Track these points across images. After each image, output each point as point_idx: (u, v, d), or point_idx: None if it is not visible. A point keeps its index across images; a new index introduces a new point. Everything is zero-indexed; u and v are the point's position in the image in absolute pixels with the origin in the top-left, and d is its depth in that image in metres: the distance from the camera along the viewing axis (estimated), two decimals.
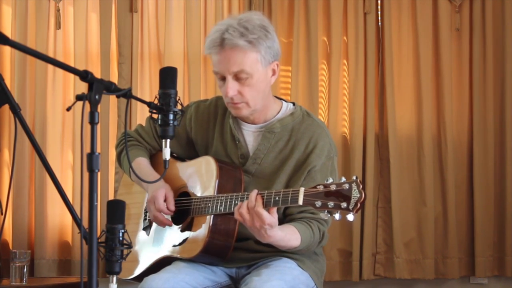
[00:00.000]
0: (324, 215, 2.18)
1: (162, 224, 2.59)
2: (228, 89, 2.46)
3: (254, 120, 2.59)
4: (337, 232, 4.08)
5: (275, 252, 2.55)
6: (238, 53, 2.45)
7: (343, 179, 2.18)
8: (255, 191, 2.30)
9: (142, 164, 2.69)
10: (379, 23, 4.14)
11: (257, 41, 2.46)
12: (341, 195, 2.15)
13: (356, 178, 2.16)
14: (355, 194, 2.14)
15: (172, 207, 2.57)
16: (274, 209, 2.29)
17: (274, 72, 2.54)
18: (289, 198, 2.24)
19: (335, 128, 4.07)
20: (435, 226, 4.09)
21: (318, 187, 2.19)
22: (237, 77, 2.47)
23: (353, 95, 4.10)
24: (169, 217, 2.59)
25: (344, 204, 2.14)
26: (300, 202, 2.21)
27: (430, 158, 4.09)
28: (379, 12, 4.14)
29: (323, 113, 4.10)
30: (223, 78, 2.48)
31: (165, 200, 2.56)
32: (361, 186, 2.15)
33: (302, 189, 2.22)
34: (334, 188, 2.17)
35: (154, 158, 2.76)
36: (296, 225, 2.43)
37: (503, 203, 4.12)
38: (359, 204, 2.14)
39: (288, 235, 2.38)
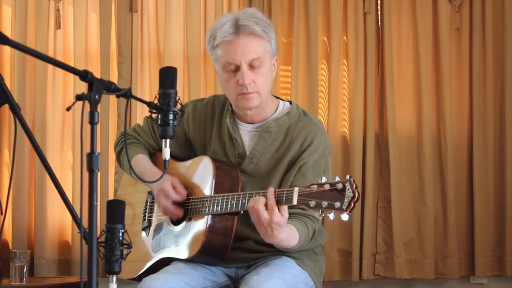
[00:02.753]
0: (318, 215, 2.17)
1: (174, 215, 2.57)
2: (245, 77, 2.45)
3: (252, 119, 2.59)
4: (337, 232, 4.08)
5: (274, 251, 2.55)
6: (255, 39, 2.47)
7: (337, 178, 2.17)
8: (271, 190, 2.27)
9: (142, 160, 2.69)
10: (379, 23, 4.14)
11: (268, 31, 2.49)
12: (334, 195, 2.15)
13: (350, 177, 2.16)
14: (349, 193, 2.13)
15: (183, 191, 2.56)
16: (285, 207, 2.26)
17: (274, 66, 2.57)
18: (284, 198, 2.24)
19: (335, 128, 4.07)
20: (435, 226, 4.09)
21: (312, 186, 2.19)
22: (251, 66, 2.47)
23: (353, 95, 4.10)
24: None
25: (337, 204, 2.14)
26: (295, 202, 2.20)
27: (430, 158, 4.09)
28: (379, 12, 4.14)
29: (323, 113, 4.10)
30: (235, 69, 2.48)
31: (174, 188, 2.57)
32: (354, 186, 2.14)
33: (296, 189, 2.21)
34: (328, 188, 2.16)
35: (152, 158, 2.76)
36: (294, 224, 2.42)
37: (503, 203, 4.12)
38: (352, 204, 2.13)
39: (291, 236, 2.38)
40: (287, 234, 2.35)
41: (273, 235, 2.28)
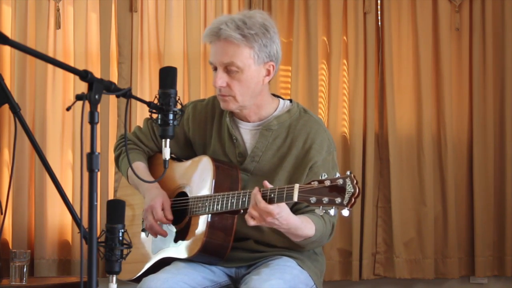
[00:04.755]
0: (319, 211, 2.18)
1: (157, 234, 2.59)
2: (217, 79, 2.48)
3: (250, 118, 2.59)
4: (337, 231, 4.07)
5: (275, 251, 2.55)
6: (231, 45, 2.46)
7: (338, 174, 2.18)
8: (256, 189, 2.30)
9: (139, 168, 2.69)
10: (379, 23, 4.14)
11: (253, 37, 2.46)
12: (335, 191, 2.15)
13: (350, 173, 2.16)
14: (349, 189, 2.14)
15: (170, 216, 2.57)
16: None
17: (268, 72, 2.53)
18: (284, 195, 2.24)
19: (335, 128, 4.07)
20: (435, 226, 4.09)
21: (312, 183, 2.19)
22: (227, 70, 2.48)
23: (353, 95, 4.10)
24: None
25: (338, 200, 2.14)
26: (295, 198, 2.21)
27: (430, 158, 4.09)
28: (379, 12, 4.14)
29: (323, 113, 4.10)
30: (216, 69, 2.50)
31: (162, 209, 2.57)
32: (355, 181, 2.15)
33: (297, 186, 2.22)
34: (329, 184, 2.17)
35: (152, 159, 2.76)
36: (308, 215, 2.43)
37: (503, 203, 4.12)
38: (353, 199, 2.14)
39: (305, 222, 2.38)
40: (300, 220, 2.35)
41: (283, 222, 2.29)
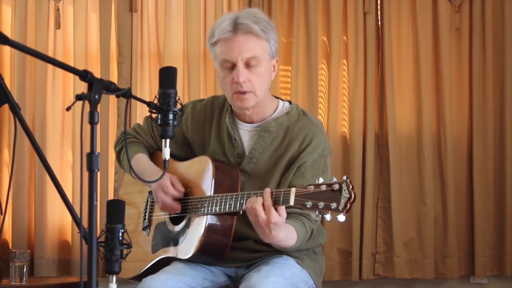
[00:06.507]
0: (314, 216, 2.17)
1: (172, 209, 2.57)
2: (240, 75, 2.46)
3: (251, 119, 2.59)
4: (337, 231, 4.08)
5: (274, 251, 2.55)
6: (252, 38, 2.47)
7: (334, 179, 2.18)
8: (267, 190, 2.28)
9: (142, 159, 2.70)
10: (379, 23, 4.14)
11: (268, 31, 2.50)
12: (331, 196, 2.15)
13: (347, 178, 2.16)
14: (345, 194, 2.14)
15: (181, 188, 2.56)
16: (283, 207, 2.26)
17: (274, 68, 2.57)
18: (281, 199, 2.24)
19: (335, 128, 4.08)
20: (434, 226, 4.10)
21: (309, 187, 2.19)
22: (247, 64, 2.47)
23: (353, 95, 4.10)
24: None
25: (334, 205, 2.14)
26: (291, 202, 2.21)
27: (429, 157, 4.09)
28: (379, 12, 4.14)
29: (323, 113, 4.10)
30: (232, 67, 2.48)
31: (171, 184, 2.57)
32: (351, 187, 2.14)
33: (293, 190, 2.21)
34: (325, 189, 2.16)
35: (152, 157, 2.76)
36: (292, 224, 2.42)
37: (503, 202, 4.12)
38: (349, 205, 2.13)
39: (289, 235, 2.38)
40: (285, 233, 2.35)
41: (271, 235, 2.29)
